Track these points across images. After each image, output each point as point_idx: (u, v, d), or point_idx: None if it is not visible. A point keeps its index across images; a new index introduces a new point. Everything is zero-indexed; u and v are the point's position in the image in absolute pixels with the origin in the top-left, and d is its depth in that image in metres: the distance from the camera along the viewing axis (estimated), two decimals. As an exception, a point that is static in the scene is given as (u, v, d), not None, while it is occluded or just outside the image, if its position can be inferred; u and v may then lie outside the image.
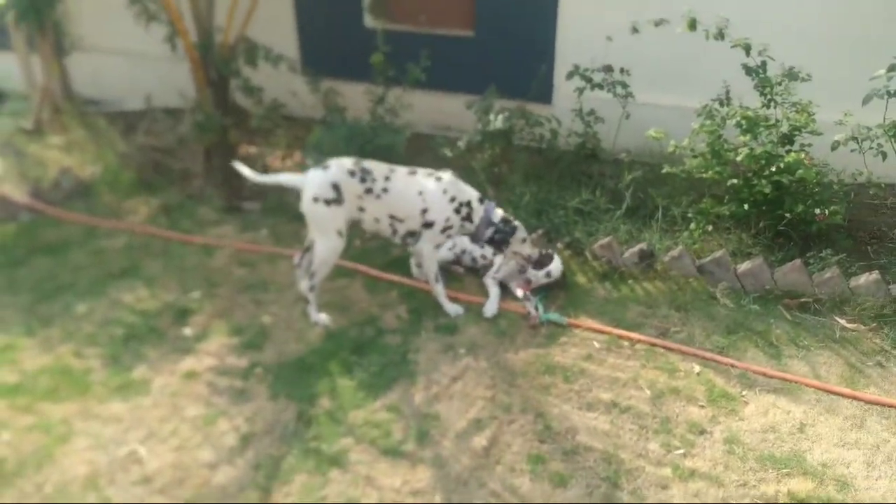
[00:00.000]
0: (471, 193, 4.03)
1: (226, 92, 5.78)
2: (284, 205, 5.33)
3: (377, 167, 3.92)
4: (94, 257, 4.73)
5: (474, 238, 4.12)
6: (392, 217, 3.91)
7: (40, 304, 4.21)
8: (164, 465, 3.10)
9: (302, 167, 5.40)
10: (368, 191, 3.84)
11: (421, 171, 4.01)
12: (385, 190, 3.86)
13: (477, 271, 4.56)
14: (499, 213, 4.08)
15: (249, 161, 5.88)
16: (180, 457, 3.15)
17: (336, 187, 3.78)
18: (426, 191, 3.91)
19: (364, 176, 3.84)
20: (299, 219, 5.17)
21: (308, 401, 3.49)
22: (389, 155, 5.28)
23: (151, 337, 3.95)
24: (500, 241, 4.05)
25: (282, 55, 5.69)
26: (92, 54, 7.12)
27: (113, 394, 3.53)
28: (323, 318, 4.02)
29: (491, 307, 4.16)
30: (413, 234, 3.98)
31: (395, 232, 3.97)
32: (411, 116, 5.81)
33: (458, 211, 3.95)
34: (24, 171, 5.76)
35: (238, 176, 5.63)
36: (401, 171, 3.96)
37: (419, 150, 5.90)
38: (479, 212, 4.01)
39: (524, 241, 4.12)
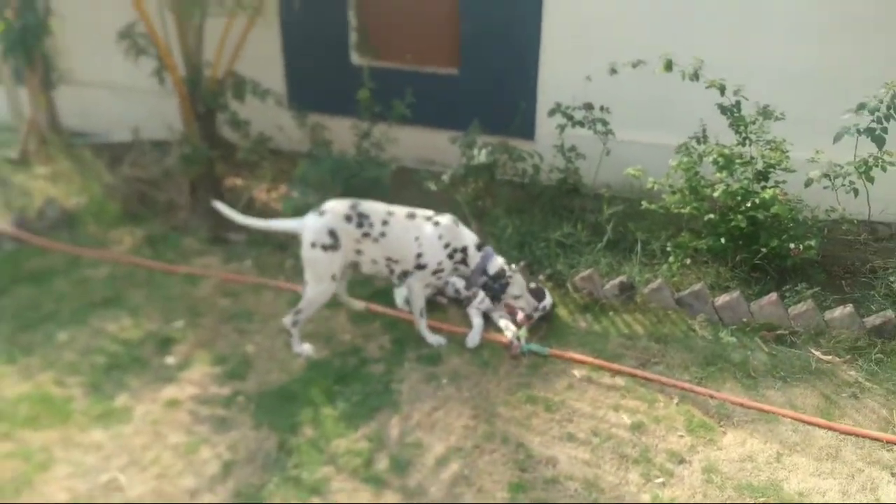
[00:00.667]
0: (467, 239, 4.02)
1: (213, 125, 5.86)
2: (269, 236, 5.36)
3: (375, 210, 3.92)
4: (77, 286, 4.73)
5: (468, 282, 4.17)
6: (389, 259, 3.95)
7: (22, 333, 4.20)
8: (145, 493, 3.09)
9: (286, 200, 5.46)
10: (366, 235, 3.87)
11: (420, 214, 4.01)
12: (383, 234, 3.88)
13: (460, 302, 4.61)
14: (498, 263, 4.03)
15: (235, 193, 5.95)
16: (161, 484, 3.14)
17: (333, 233, 3.80)
18: (423, 235, 3.92)
19: (361, 220, 3.85)
20: (284, 249, 5.26)
21: (290, 430, 3.50)
22: (375, 188, 5.37)
23: (134, 366, 3.95)
24: (492, 294, 4.05)
25: (269, 90, 5.78)
26: (80, 87, 7.20)
27: (94, 422, 3.51)
28: (306, 348, 4.04)
29: (474, 338, 4.20)
30: (407, 273, 4.01)
31: (392, 272, 4.01)
32: (396, 151, 5.90)
33: (451, 256, 3.97)
34: (8, 200, 5.78)
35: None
36: (399, 213, 3.97)
37: (404, 184, 5.98)
38: (475, 258, 4.00)
39: (518, 297, 4.08)
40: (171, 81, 5.55)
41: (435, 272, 3.99)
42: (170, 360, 4.01)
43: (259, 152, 5.88)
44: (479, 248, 4.02)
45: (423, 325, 4.18)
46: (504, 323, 4.35)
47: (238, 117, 5.76)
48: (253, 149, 5.82)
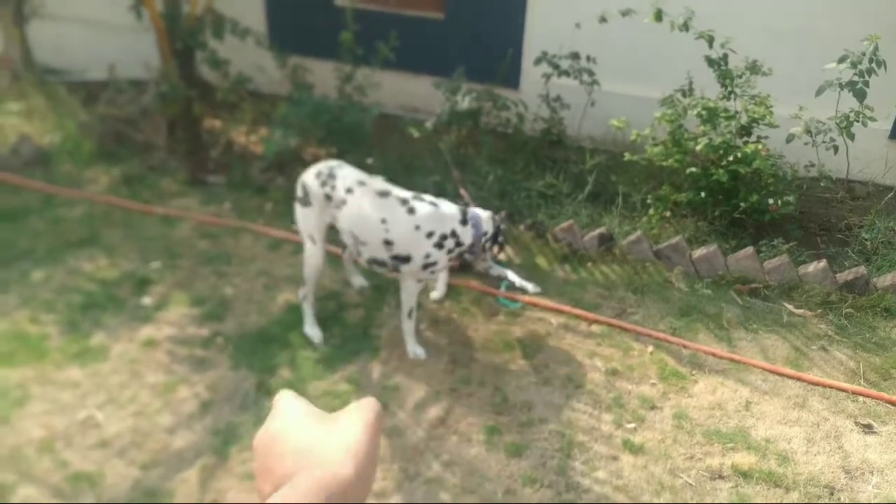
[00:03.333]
0: (450, 219, 3.45)
1: (191, 64, 5.72)
2: (249, 178, 5.31)
3: (344, 175, 3.45)
4: (52, 225, 4.66)
5: (473, 255, 3.68)
6: (353, 236, 3.45)
7: (-4, 270, 4.16)
8: (122, 430, 3.11)
9: (267, 142, 5.38)
10: (327, 197, 3.44)
11: (395, 194, 3.42)
12: (343, 202, 3.40)
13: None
14: (485, 218, 3.60)
15: (214, 135, 5.85)
16: (139, 422, 3.16)
17: (304, 188, 3.51)
18: (393, 220, 3.35)
19: (326, 181, 3.44)
20: (263, 192, 5.21)
21: (268, 371, 3.52)
22: (357, 133, 5.30)
23: (110, 305, 3.93)
24: (500, 243, 3.75)
25: (249, 29, 5.64)
26: (54, 22, 6.96)
27: (70, 360, 3.51)
28: (316, 333, 3.74)
29: (439, 292, 4.17)
30: (379, 263, 3.47)
31: (359, 253, 3.52)
32: (379, 96, 5.82)
33: (440, 245, 3.40)
34: (-20, 136, 5.65)
35: (202, 148, 5.62)
36: (372, 186, 3.42)
37: (387, 130, 5.93)
38: (467, 234, 3.48)
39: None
40: (148, 17, 5.39)
41: (426, 266, 3.44)
42: (146, 300, 3.99)
43: (238, 93, 5.76)
44: (464, 221, 3.49)
45: (409, 328, 3.68)
46: (494, 271, 4.35)
47: (217, 56, 5.61)
48: (232, 89, 5.69)
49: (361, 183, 3.42)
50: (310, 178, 3.51)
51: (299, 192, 3.55)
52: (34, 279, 4.10)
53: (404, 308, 3.64)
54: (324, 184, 3.46)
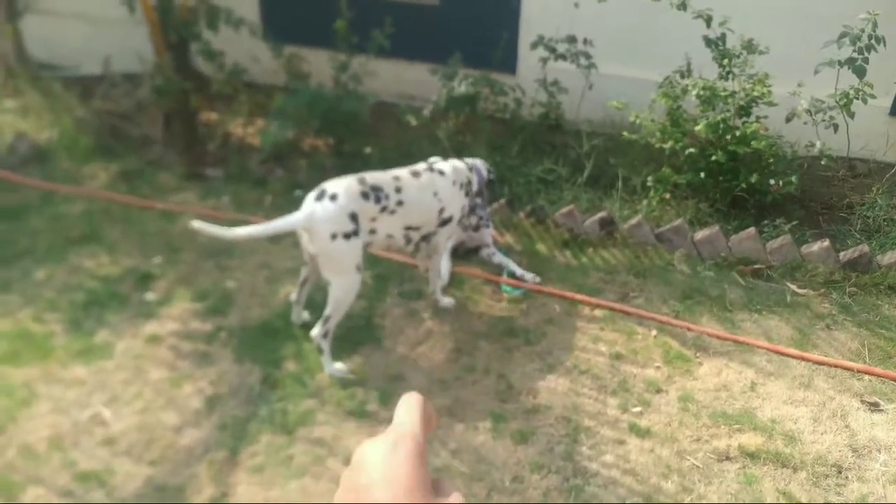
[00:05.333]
0: (462, 168, 3.77)
1: (186, 56, 5.68)
2: (247, 171, 5.29)
3: (384, 180, 3.43)
4: (52, 223, 4.65)
5: (473, 203, 3.95)
6: (408, 228, 3.52)
7: (-3, 270, 4.15)
8: (128, 427, 3.12)
9: (264, 134, 5.36)
10: (384, 209, 3.38)
11: (421, 169, 3.62)
12: (400, 203, 3.42)
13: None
14: (479, 162, 3.98)
15: (210, 128, 5.83)
16: (145, 419, 3.17)
17: (354, 217, 3.25)
18: (439, 189, 3.58)
19: (378, 195, 3.34)
20: (262, 185, 5.19)
21: (273, 364, 3.52)
22: (353, 122, 5.28)
23: (113, 302, 3.92)
24: (495, 186, 4.07)
25: (243, 19, 5.60)
26: (47, 17, 6.90)
27: (75, 358, 3.51)
28: (339, 367, 3.48)
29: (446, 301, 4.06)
30: (427, 237, 3.64)
31: (409, 241, 3.58)
32: (375, 84, 5.78)
33: (467, 193, 3.76)
34: (-24, 135, 5.62)
35: (200, 142, 5.59)
36: (405, 176, 3.52)
37: (383, 118, 5.91)
38: (474, 178, 3.84)
39: (479, 194, 4.00)
40: (141, 9, 5.35)
41: (461, 219, 3.79)
42: (150, 296, 3.99)
43: (234, 85, 5.72)
44: (470, 169, 3.84)
45: (439, 286, 3.95)
46: (490, 251, 4.35)
47: (211, 48, 5.58)
48: (227, 81, 5.66)
49: (397, 178, 3.48)
50: (357, 203, 3.26)
51: (349, 227, 3.23)
52: (36, 278, 4.09)
53: (436, 269, 3.89)
54: (378, 199, 3.34)
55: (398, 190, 3.43)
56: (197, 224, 3.27)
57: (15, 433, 3.05)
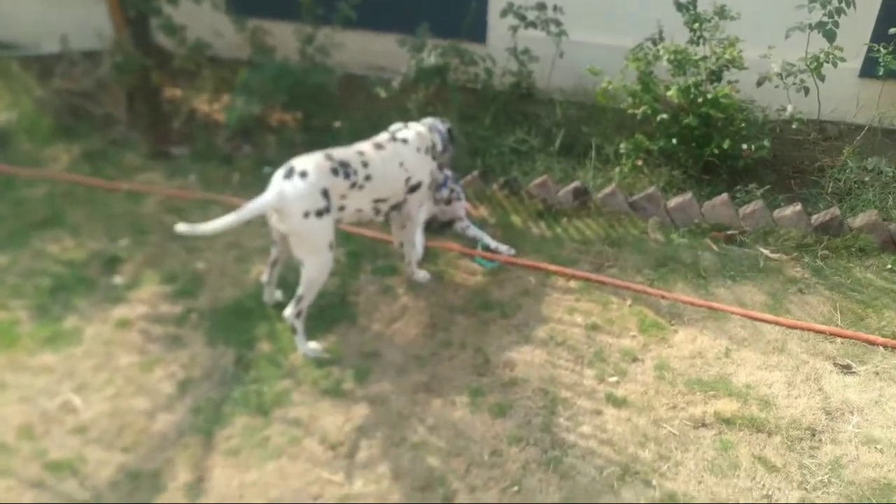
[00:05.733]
0: (423, 133, 3.74)
1: (146, 31, 5.51)
2: (213, 148, 5.18)
3: (349, 155, 3.39)
4: (14, 207, 4.51)
5: (441, 161, 3.95)
6: (376, 201, 3.50)
7: (-42, 257, 4.02)
8: (100, 414, 3.05)
9: (230, 110, 5.23)
10: (353, 185, 3.34)
11: (384, 140, 3.59)
12: (368, 177, 3.38)
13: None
14: (434, 121, 3.91)
15: (175, 105, 5.68)
16: (117, 405, 3.11)
17: (325, 193, 3.21)
18: (405, 159, 3.56)
19: (346, 170, 3.30)
20: (229, 162, 5.08)
21: (246, 345, 3.47)
22: (321, 95, 5.18)
23: (80, 287, 3.83)
24: (452, 139, 3.98)
25: (204, -8, 5.44)
26: (0, -7, 6.67)
27: (43, 345, 3.42)
28: (312, 346, 3.43)
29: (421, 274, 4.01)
30: (397, 206, 3.66)
31: (378, 212, 3.58)
32: (343, 57, 5.66)
33: (434, 157, 3.76)
34: (-70, 118, 5.43)
35: (164, 119, 5.45)
36: (369, 150, 3.48)
37: (353, 91, 5.80)
38: (436, 138, 3.81)
39: (443, 153, 3.93)
40: (97, -16, 5.17)
41: (430, 183, 3.81)
42: (117, 279, 3.90)
43: (197, 60, 5.56)
44: (430, 129, 3.80)
45: (414, 258, 3.94)
46: (471, 231, 4.32)
47: (172, 22, 5.41)
48: (190, 56, 5.49)
49: (361, 153, 3.44)
50: (328, 179, 3.23)
51: (321, 203, 3.18)
52: (-1, 264, 3.98)
53: (410, 238, 3.85)
54: (347, 175, 3.30)
55: (364, 164, 3.39)
56: (182, 227, 3.15)
57: (-18, 424, 2.98)
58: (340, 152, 3.38)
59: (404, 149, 3.59)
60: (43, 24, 6.53)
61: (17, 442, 2.92)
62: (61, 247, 4.14)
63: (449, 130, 3.93)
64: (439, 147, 3.82)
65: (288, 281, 3.63)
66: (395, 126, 3.75)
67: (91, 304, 3.70)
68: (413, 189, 3.65)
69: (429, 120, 3.90)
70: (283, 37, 5.59)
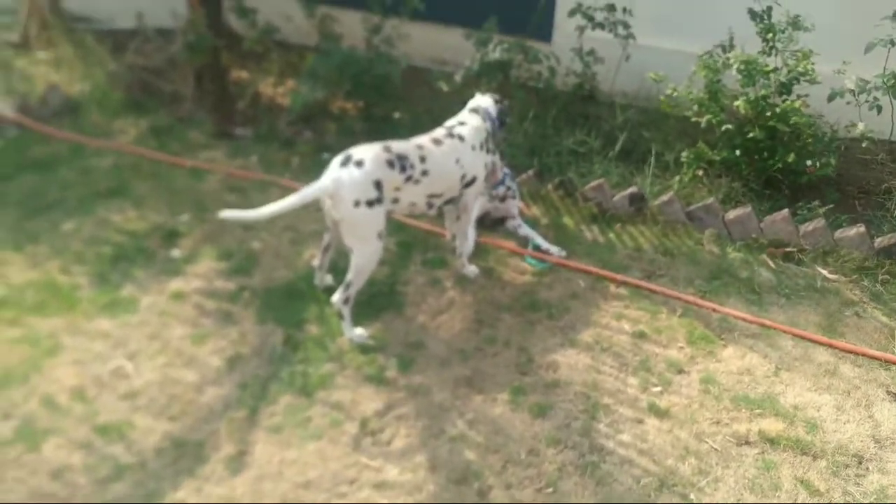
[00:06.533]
0: (480, 126, 3.72)
1: (219, 12, 5.63)
2: (275, 131, 5.28)
3: (408, 149, 3.42)
4: (81, 176, 4.68)
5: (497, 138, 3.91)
6: (431, 196, 3.53)
7: (27, 220, 4.18)
8: (150, 383, 3.15)
9: (294, 95, 5.31)
10: (408, 178, 3.37)
11: (441, 136, 3.60)
12: (425, 172, 3.41)
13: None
14: (488, 102, 3.89)
15: (241, 86, 5.80)
16: (168, 373, 3.20)
17: (378, 185, 3.25)
18: (461, 155, 3.56)
19: (403, 164, 3.34)
20: (290, 146, 5.17)
21: (295, 326, 3.53)
22: (385, 86, 5.22)
23: (139, 257, 3.95)
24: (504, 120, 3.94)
25: (277, -23, 5.54)
26: (81, -31, 6.90)
27: (100, 311, 3.54)
28: (359, 332, 3.46)
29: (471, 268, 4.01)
30: (450, 201, 3.67)
31: (431, 207, 3.60)
32: (408, 48, 5.70)
33: (488, 150, 3.75)
34: (10, 85, 5.65)
35: (230, 100, 5.57)
36: (428, 145, 3.51)
37: (415, 83, 5.84)
38: (490, 128, 3.77)
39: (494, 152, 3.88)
40: (175, -36, 5.32)
41: (487, 176, 3.80)
42: (175, 252, 4.01)
43: (265, 43, 5.68)
44: (483, 119, 3.77)
45: (466, 252, 3.94)
46: (516, 223, 4.33)
47: (244, 5, 5.54)
48: (259, 39, 5.62)
49: (420, 147, 3.47)
50: (382, 171, 3.26)
51: (372, 194, 3.22)
52: (64, 229, 4.13)
53: (465, 229, 3.85)
54: (403, 168, 3.33)
55: (422, 159, 3.42)
56: (226, 213, 3.27)
57: (38, 383, 3.10)
58: (399, 145, 3.41)
59: (461, 146, 3.59)
60: (119, 0, 6.73)
61: (69, 403, 3.03)
62: (124, 217, 4.28)
63: (501, 111, 3.88)
64: (491, 132, 3.79)
65: (340, 266, 3.68)
66: (452, 120, 3.77)
67: (149, 275, 3.81)
68: (468, 185, 3.66)
69: (483, 100, 3.88)
70: (351, 25, 5.66)
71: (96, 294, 3.65)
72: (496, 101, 3.92)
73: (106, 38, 6.33)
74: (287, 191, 4.59)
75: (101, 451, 2.84)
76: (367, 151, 3.29)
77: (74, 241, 4.04)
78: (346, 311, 3.42)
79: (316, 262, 3.75)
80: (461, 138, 3.61)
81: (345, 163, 3.24)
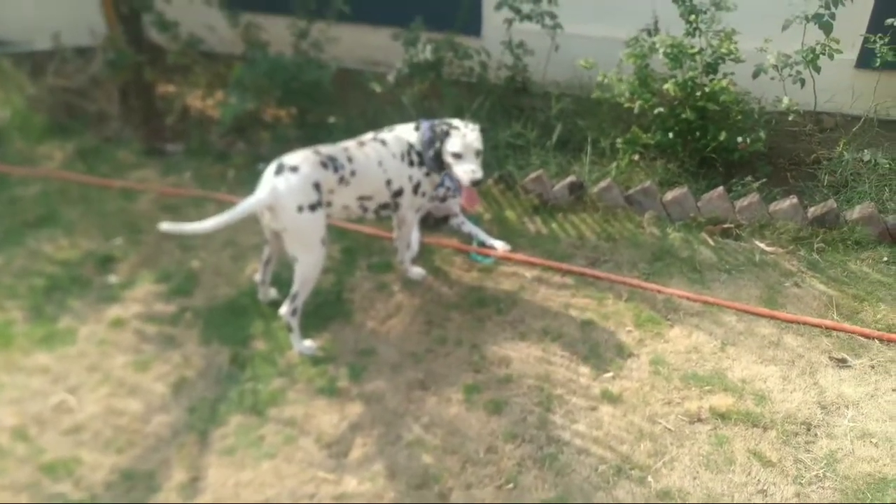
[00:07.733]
0: (406, 134, 3.57)
1: (139, 27, 5.48)
2: (208, 145, 5.16)
3: (335, 151, 3.39)
4: (7, 206, 4.50)
5: (435, 168, 3.61)
6: (361, 198, 3.49)
7: (-49, 257, 4.01)
8: (94, 415, 3.04)
9: (224, 106, 5.20)
10: (341, 179, 3.34)
11: (366, 139, 3.55)
12: (353, 173, 3.37)
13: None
14: (429, 124, 3.55)
15: (168, 101, 5.65)
16: (111, 405, 3.10)
17: (318, 186, 3.21)
18: (383, 159, 3.49)
19: (335, 164, 3.31)
20: (224, 159, 5.07)
21: (241, 343, 3.46)
22: (316, 91, 5.15)
23: (74, 286, 3.82)
24: (438, 151, 3.52)
25: (197, -13, 5.40)
26: (-9, -10, 6.63)
27: (37, 345, 3.41)
28: (308, 344, 3.42)
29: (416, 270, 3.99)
30: (385, 206, 3.60)
31: (365, 210, 3.56)
32: (338, 51, 5.64)
33: (411, 163, 3.54)
34: (-77, 116, 5.41)
35: (158, 116, 5.43)
36: (352, 146, 3.48)
37: (348, 86, 5.78)
38: (418, 142, 3.54)
39: (459, 156, 3.47)
40: (89, -19, 5.15)
41: (415, 190, 3.60)
42: (112, 278, 3.89)
43: (190, 55, 5.54)
44: (416, 128, 3.59)
45: (408, 257, 3.92)
46: (459, 220, 4.33)
47: (165, 18, 5.39)
48: (183, 52, 5.47)
49: (346, 148, 3.44)
50: (317, 173, 3.22)
51: (314, 197, 3.18)
52: (-8, 264, 3.97)
53: (404, 241, 3.81)
54: (335, 169, 3.30)
55: (349, 160, 3.39)
56: (166, 226, 3.17)
57: (-24, 425, 2.97)
58: (327, 148, 3.39)
59: (383, 149, 3.52)
60: (35, 20, 6.49)
61: (11, 443, 2.91)
62: (56, 246, 4.13)
63: (437, 133, 3.51)
64: (416, 146, 3.55)
65: (283, 279, 3.62)
66: (399, 127, 3.63)
67: (85, 304, 3.69)
68: (397, 193, 3.57)
69: (423, 124, 3.58)
70: (277, 31, 5.56)
71: (32, 328, 3.52)
72: (475, 130, 3.60)
73: (24, 60, 6.10)
74: (224, 205, 4.50)
75: (48, 491, 2.73)
76: (299, 156, 3.25)
77: (5, 274, 3.89)
78: (294, 323, 3.36)
79: (258, 277, 3.68)
80: (383, 142, 3.54)
81: (279, 171, 3.19)
